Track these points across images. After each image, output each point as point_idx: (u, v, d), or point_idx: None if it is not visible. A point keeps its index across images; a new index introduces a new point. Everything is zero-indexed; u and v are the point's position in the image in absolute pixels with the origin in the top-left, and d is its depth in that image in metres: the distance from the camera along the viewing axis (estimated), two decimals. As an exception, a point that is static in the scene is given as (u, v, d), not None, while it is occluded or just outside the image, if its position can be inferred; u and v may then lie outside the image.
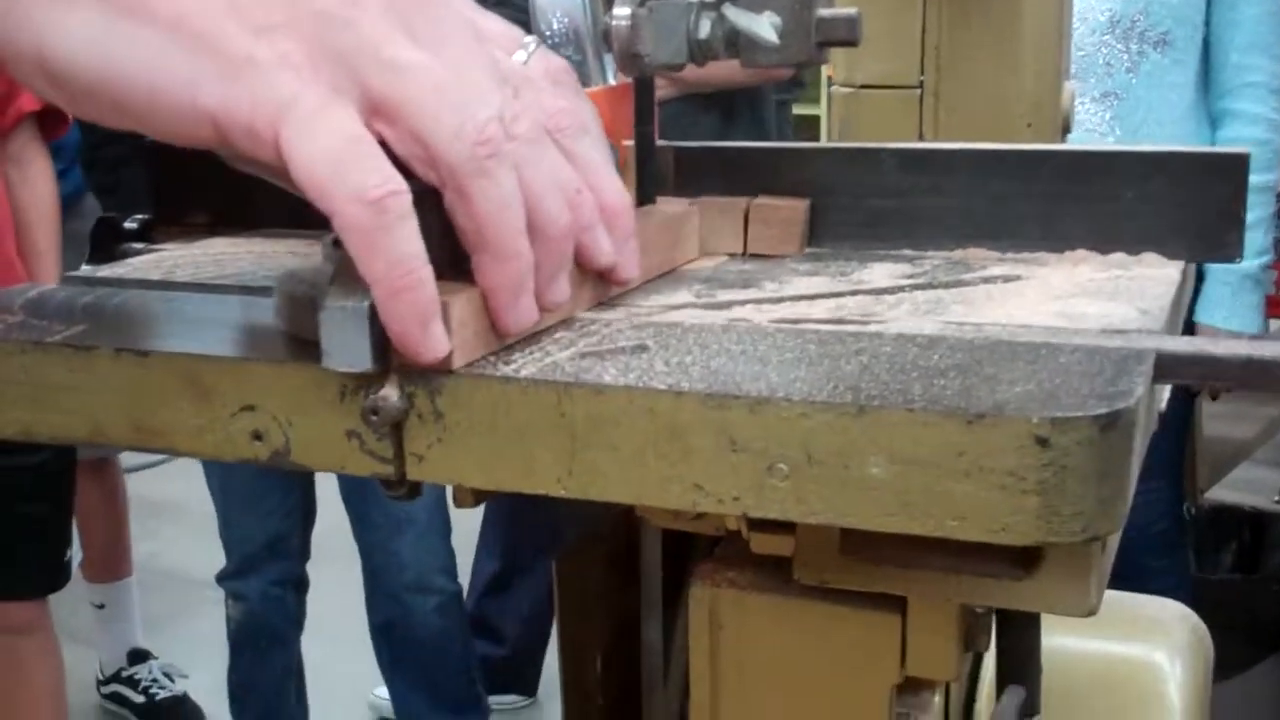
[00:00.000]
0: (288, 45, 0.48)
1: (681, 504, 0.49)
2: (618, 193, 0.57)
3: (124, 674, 3.12)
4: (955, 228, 0.72)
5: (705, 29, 0.67)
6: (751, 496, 0.48)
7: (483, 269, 0.52)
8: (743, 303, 0.62)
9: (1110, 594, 0.92)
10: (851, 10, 0.69)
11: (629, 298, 0.64)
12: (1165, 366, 0.51)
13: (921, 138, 1.10)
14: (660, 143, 0.78)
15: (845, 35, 0.69)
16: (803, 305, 0.61)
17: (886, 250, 0.73)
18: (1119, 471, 0.45)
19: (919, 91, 1.11)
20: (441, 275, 0.50)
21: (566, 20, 0.75)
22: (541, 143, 0.52)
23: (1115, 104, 2.34)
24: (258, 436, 0.55)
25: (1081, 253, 0.70)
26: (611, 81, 0.76)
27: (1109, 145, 0.72)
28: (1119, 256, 0.69)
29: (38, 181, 2.27)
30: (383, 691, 2.80)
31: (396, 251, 0.48)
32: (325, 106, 0.48)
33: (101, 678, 3.15)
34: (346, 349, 0.50)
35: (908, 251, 0.73)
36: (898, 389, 0.47)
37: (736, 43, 0.68)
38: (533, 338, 0.57)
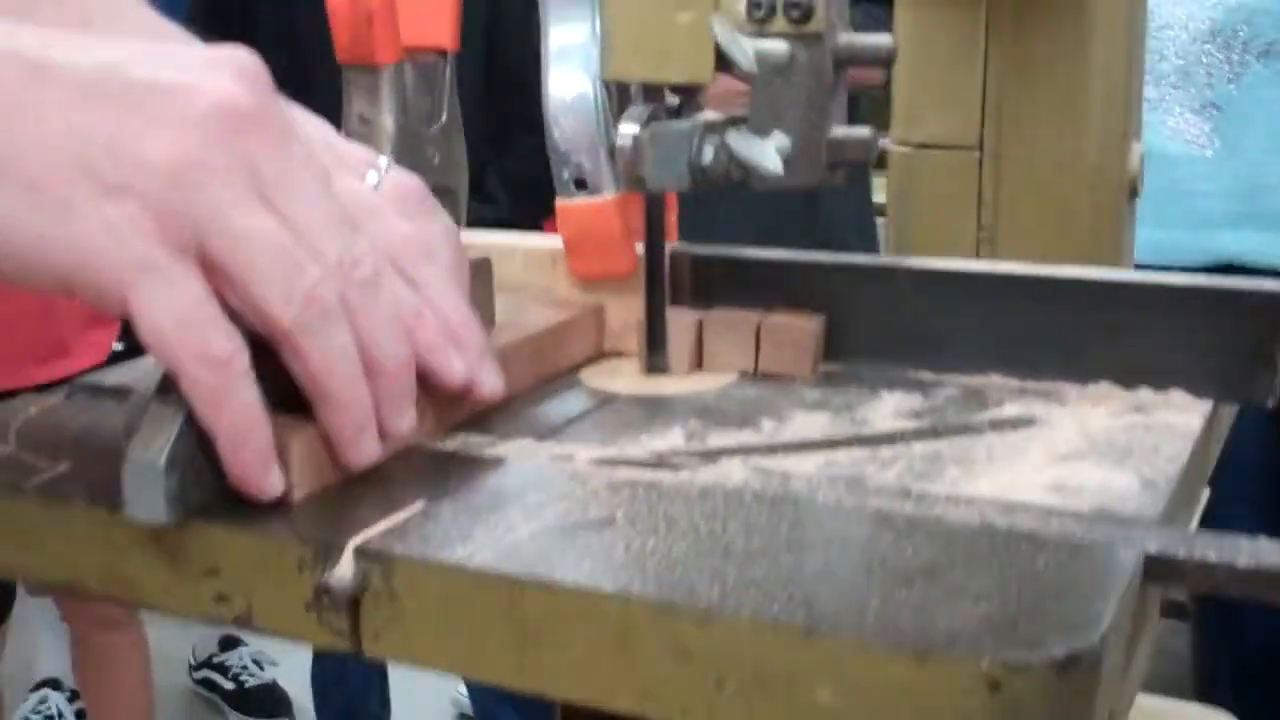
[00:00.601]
0: (136, 208, 0.50)
1: (630, 708, 0.47)
2: (460, 313, 0.58)
3: (215, 660, 3.19)
4: (974, 353, 0.69)
5: (708, 155, 0.65)
6: (700, 711, 0.46)
7: (323, 415, 0.54)
8: (732, 452, 0.60)
9: (1146, 700, 0.87)
10: (865, 130, 0.66)
11: (620, 433, 0.63)
12: (1156, 571, 0.48)
13: (980, 201, 1.06)
14: (676, 246, 0.76)
15: (858, 156, 0.67)
16: (793, 459, 0.59)
17: (904, 371, 0.70)
18: (1081, 711, 0.42)
19: (978, 154, 1.07)
20: (285, 407, 0.53)
21: (578, 127, 0.73)
22: (378, 282, 0.54)
23: (1215, 116, 2.24)
24: (222, 599, 0.54)
25: (1104, 388, 0.66)
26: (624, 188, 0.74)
27: (1138, 274, 0.68)
28: (1143, 394, 0.65)
29: None
30: (464, 689, 2.83)
31: (240, 405, 0.51)
32: (170, 269, 0.50)
33: (193, 663, 3.23)
34: (145, 500, 0.52)
35: (925, 375, 0.70)
36: (853, 605, 0.45)
37: (743, 168, 0.65)
38: (508, 495, 0.55)
